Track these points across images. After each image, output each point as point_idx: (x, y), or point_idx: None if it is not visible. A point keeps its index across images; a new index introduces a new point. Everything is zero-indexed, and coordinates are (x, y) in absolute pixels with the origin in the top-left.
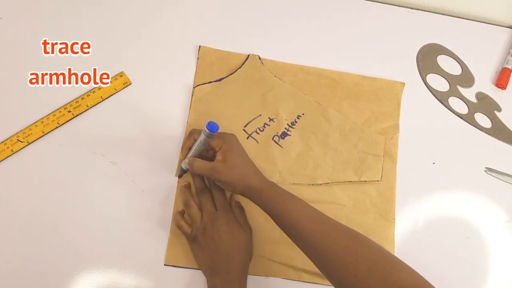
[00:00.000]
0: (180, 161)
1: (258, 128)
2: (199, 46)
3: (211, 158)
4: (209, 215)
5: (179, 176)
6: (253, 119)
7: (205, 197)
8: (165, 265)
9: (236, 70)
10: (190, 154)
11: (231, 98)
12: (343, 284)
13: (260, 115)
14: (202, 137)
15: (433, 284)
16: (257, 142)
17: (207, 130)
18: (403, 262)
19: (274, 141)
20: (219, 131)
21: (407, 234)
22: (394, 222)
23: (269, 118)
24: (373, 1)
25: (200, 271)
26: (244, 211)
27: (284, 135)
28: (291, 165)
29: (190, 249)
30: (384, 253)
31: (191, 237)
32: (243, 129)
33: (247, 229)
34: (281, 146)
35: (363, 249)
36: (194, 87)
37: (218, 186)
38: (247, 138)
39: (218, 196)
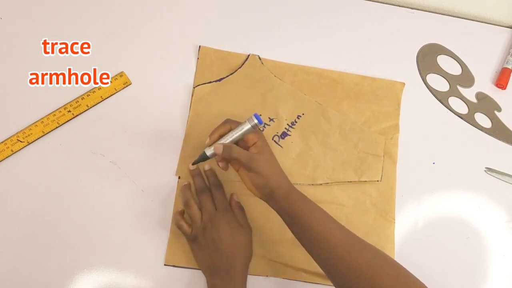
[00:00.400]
0: (205, 146)
1: (258, 128)
2: (199, 46)
3: None
4: (209, 215)
5: (194, 163)
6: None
7: (205, 197)
8: (165, 265)
9: (236, 70)
10: (222, 141)
11: (231, 98)
12: None
13: (260, 115)
14: (246, 127)
15: (433, 284)
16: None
17: (255, 121)
18: (421, 282)
19: (274, 141)
20: None
21: (407, 234)
22: (394, 222)
23: (269, 118)
24: (373, 1)
25: (199, 271)
26: (244, 211)
27: (284, 135)
28: (291, 165)
29: (190, 249)
30: (404, 271)
31: (191, 237)
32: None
33: (247, 229)
34: (281, 146)
35: (386, 264)
36: (194, 87)
37: (219, 187)
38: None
39: (218, 196)
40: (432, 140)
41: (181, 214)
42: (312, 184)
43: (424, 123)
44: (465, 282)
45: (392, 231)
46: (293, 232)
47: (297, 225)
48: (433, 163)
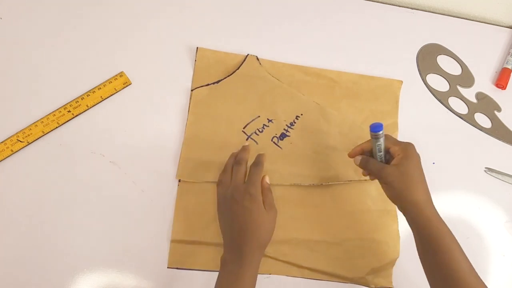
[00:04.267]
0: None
1: (257, 129)
2: (197, 48)
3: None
4: (235, 187)
5: None
6: (252, 120)
7: (239, 168)
8: (168, 267)
9: (234, 71)
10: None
11: (230, 100)
12: None
13: (259, 116)
14: (372, 140)
15: None
16: (257, 143)
17: (372, 132)
18: None
19: (273, 142)
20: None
21: (407, 233)
22: (397, 219)
23: (267, 119)
24: (373, 1)
25: (200, 272)
26: (272, 194)
27: (283, 136)
28: (291, 165)
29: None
30: None
31: (218, 199)
32: (243, 131)
33: (270, 211)
34: (280, 147)
35: None
36: (192, 90)
37: (258, 166)
38: (247, 140)
39: (252, 172)
40: (432, 140)
41: (231, 165)
42: (313, 184)
43: (424, 123)
44: None
45: (397, 228)
46: (417, 246)
47: (424, 244)
48: (433, 163)
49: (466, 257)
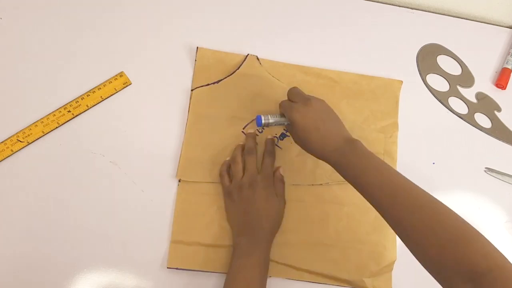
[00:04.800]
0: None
1: (257, 129)
2: (197, 48)
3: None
4: (250, 176)
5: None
6: (252, 121)
7: (251, 158)
8: (168, 267)
9: (234, 71)
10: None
11: (230, 100)
12: (419, 260)
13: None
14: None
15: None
16: (256, 144)
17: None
18: (484, 240)
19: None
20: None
21: None
22: None
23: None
24: (373, 1)
25: (200, 272)
26: (284, 185)
27: (282, 136)
28: (290, 166)
29: (224, 203)
30: (463, 230)
31: (227, 191)
32: (242, 131)
33: (281, 201)
34: (280, 147)
35: (439, 225)
36: (192, 90)
37: (271, 155)
38: None
39: (266, 162)
40: (432, 140)
41: (228, 165)
42: (312, 185)
43: (424, 123)
44: None
45: None
46: (348, 181)
47: (351, 176)
48: (433, 163)
49: (400, 175)
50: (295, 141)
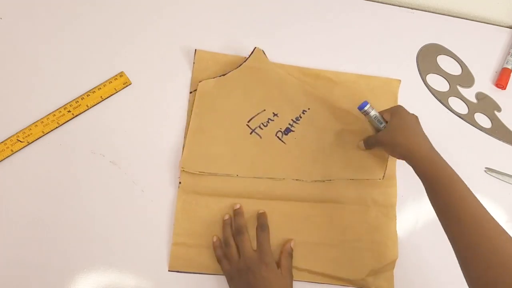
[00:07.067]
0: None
1: (262, 123)
2: (195, 50)
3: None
4: (247, 259)
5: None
6: (257, 114)
7: (243, 237)
8: (169, 271)
9: (241, 64)
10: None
11: (236, 93)
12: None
13: (264, 110)
14: (367, 118)
15: (434, 284)
16: (260, 137)
17: (360, 111)
18: None
19: (277, 137)
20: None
21: (407, 234)
22: (396, 220)
23: (273, 113)
24: (373, 1)
25: (200, 275)
26: (292, 259)
27: (287, 131)
28: (293, 161)
29: (228, 284)
30: None
31: (229, 276)
32: (247, 124)
33: (286, 276)
34: (284, 142)
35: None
36: (190, 92)
37: (264, 229)
38: (250, 133)
39: (261, 239)
40: (432, 140)
41: (221, 247)
42: (315, 181)
43: (424, 123)
44: (465, 282)
45: (394, 228)
46: (428, 195)
47: (434, 189)
48: None
49: (476, 199)
50: (386, 140)
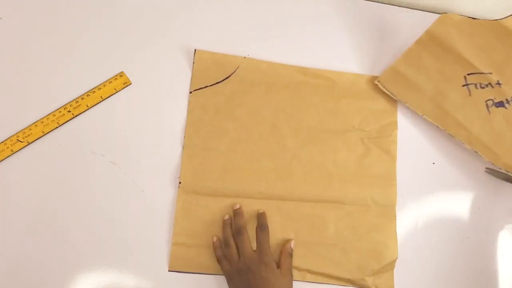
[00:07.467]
0: None
1: (480, 83)
2: (195, 50)
3: None
4: (247, 259)
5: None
6: (483, 74)
7: (243, 238)
8: (169, 271)
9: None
10: None
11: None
12: None
13: (491, 73)
14: None
15: (434, 284)
16: (470, 94)
17: None
18: None
19: (486, 104)
20: None
21: (407, 234)
22: (396, 219)
23: (497, 81)
24: (373, 1)
25: (201, 275)
26: (291, 259)
27: (499, 104)
28: (490, 135)
29: (227, 284)
30: None
31: (229, 276)
32: (466, 75)
33: (287, 276)
34: (488, 112)
35: None
36: (190, 92)
37: (264, 229)
38: (463, 86)
39: (260, 238)
40: (432, 140)
41: (221, 247)
42: (316, 180)
43: (424, 123)
44: (465, 282)
45: (394, 228)
46: None
47: None
48: (433, 163)
49: None
50: None
